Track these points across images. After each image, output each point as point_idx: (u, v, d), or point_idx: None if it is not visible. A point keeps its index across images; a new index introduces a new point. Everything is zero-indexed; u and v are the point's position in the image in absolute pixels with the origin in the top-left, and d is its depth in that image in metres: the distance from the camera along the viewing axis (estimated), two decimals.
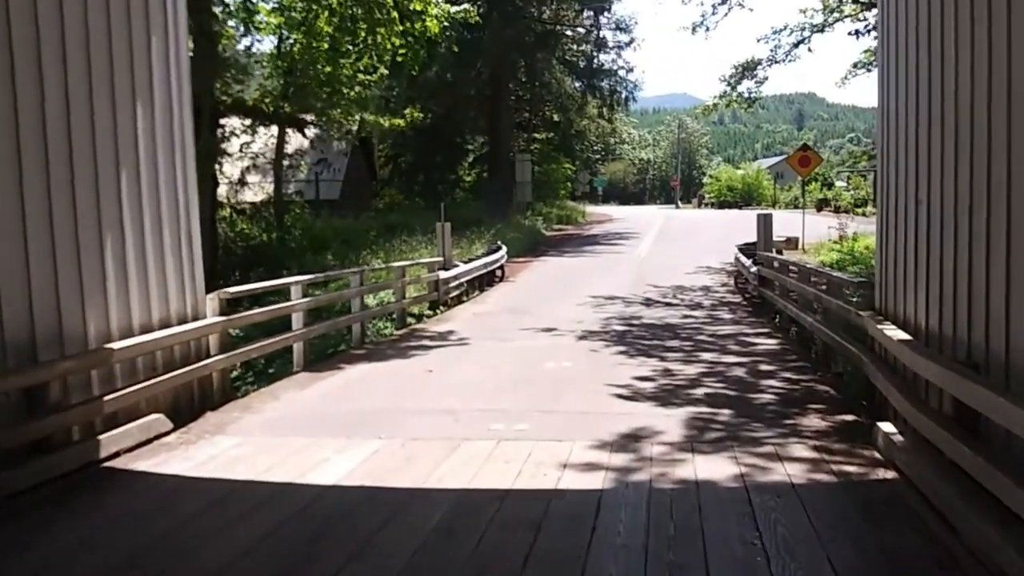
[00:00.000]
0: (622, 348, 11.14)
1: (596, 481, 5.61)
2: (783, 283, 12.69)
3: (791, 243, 25.64)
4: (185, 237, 8.05)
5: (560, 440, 6.58)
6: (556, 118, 47.78)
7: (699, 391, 8.38)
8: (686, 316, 14.52)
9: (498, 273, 22.03)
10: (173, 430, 7.12)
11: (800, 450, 6.23)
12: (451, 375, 9.53)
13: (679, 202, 75.36)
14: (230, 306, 8.71)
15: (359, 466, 6.07)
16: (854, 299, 8.70)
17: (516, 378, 9.19)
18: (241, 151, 22.10)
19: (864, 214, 43.04)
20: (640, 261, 25.39)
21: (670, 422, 7.14)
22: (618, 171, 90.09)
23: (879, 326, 6.80)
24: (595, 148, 64.79)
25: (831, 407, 7.62)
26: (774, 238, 21.90)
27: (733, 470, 5.75)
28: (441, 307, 15.87)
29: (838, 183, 75.74)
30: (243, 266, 21.63)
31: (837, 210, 52.63)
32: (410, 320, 14.86)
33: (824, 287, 9.95)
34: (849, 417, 7.19)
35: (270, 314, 9.72)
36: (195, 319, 8.09)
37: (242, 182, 23.40)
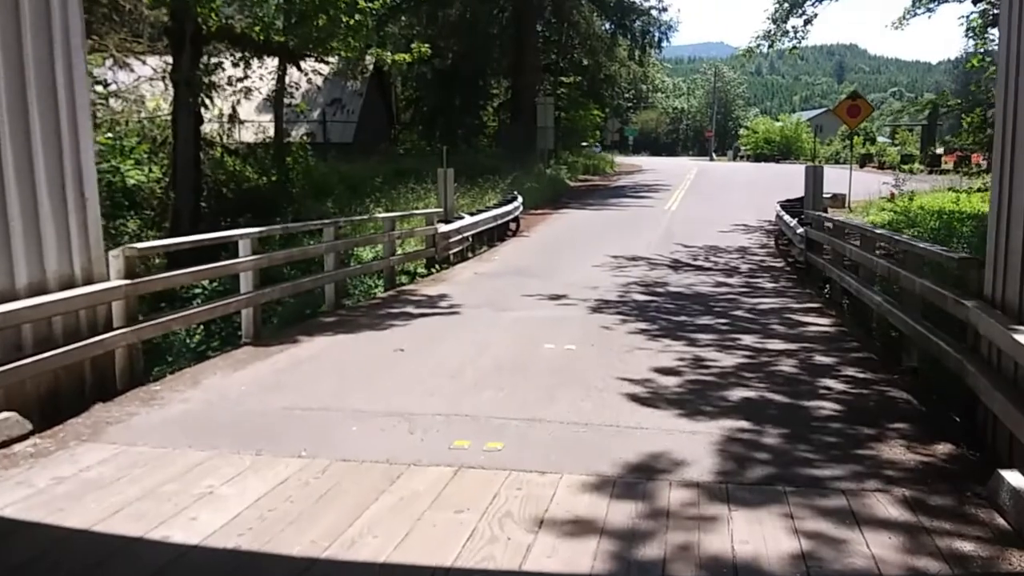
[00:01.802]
0: (642, 325, 9.18)
1: (583, 558, 3.72)
2: (838, 249, 10.61)
3: (837, 200, 23.39)
4: (73, 183, 6.16)
5: (543, 472, 4.70)
6: (585, 61, 45.11)
7: (737, 393, 6.43)
8: (720, 284, 12.48)
9: (512, 226, 20.06)
10: (31, 433, 5.33)
11: (885, 506, 4.29)
12: (425, 356, 7.65)
13: (713, 154, 72.33)
14: (145, 264, 6.85)
15: (251, 507, 4.23)
16: (947, 279, 6.65)
17: (504, 365, 7.28)
18: (230, 84, 20.09)
19: (911, 171, 40.43)
20: (670, 216, 23.25)
21: (697, 445, 5.21)
22: (650, 120, 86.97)
23: (1002, 326, 4.79)
24: (626, 95, 61.86)
25: (916, 427, 5.65)
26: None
27: (789, 543, 3.84)
28: (439, 265, 13.97)
29: (880, 139, 72.39)
30: (234, 212, 19.85)
31: (882, 166, 49.99)
32: (402, 279, 13.00)
33: (900, 258, 7.89)
34: (945, 447, 5.22)
35: (199, 275, 7.88)
36: (88, 283, 6.26)
37: (233, 119, 21.41)
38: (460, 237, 14.96)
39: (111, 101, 23.69)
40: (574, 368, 7.20)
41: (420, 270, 13.70)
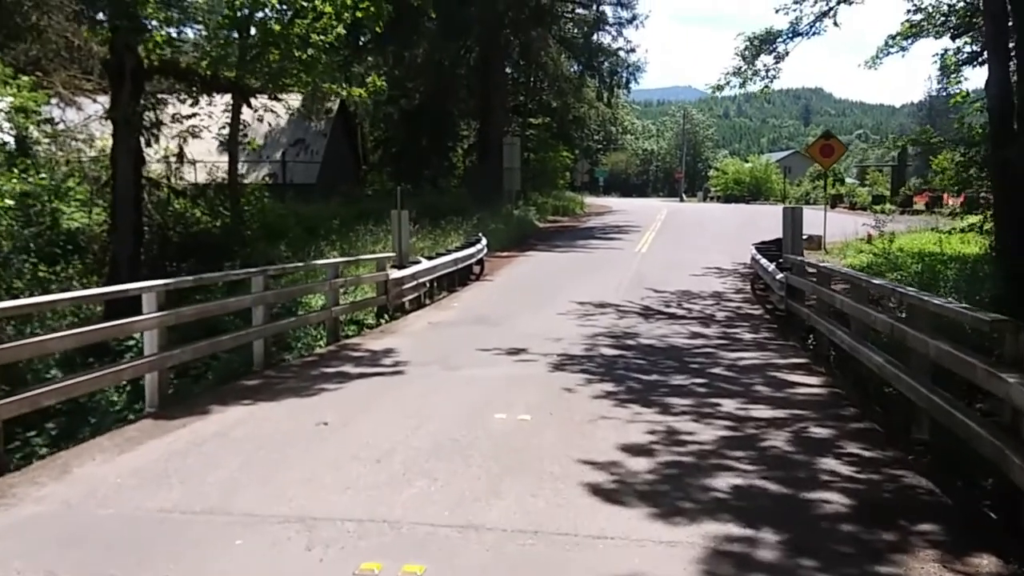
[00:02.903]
0: (608, 386, 8.05)
1: None
2: (825, 299, 9.60)
3: (812, 242, 22.51)
4: None
5: None
6: (553, 103, 44.47)
7: (721, 481, 5.29)
8: (695, 335, 11.41)
9: (475, 269, 18.96)
10: None
11: None
12: (351, 432, 6.44)
13: (684, 195, 72.02)
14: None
15: None
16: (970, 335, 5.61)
17: (443, 443, 6.10)
18: (176, 121, 18.93)
19: (883, 211, 40.02)
20: (640, 259, 22.27)
21: (676, 564, 4.07)
22: (620, 161, 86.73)
23: None
24: (595, 137, 61.53)
25: (946, 528, 4.55)
26: None
27: None
28: (391, 314, 12.78)
29: (848, 179, 72.57)
30: (178, 256, 18.57)
31: (853, 207, 49.71)
32: (349, 331, 11.80)
33: (903, 312, 6.86)
34: (988, 560, 4.12)
35: (80, 338, 6.61)
36: None
37: (180, 158, 20.20)
38: (415, 283, 13.81)
39: (55, 141, 22.51)
40: (527, 447, 6.03)
41: (370, 320, 12.52)
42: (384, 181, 40.27)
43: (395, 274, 12.98)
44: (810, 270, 11.61)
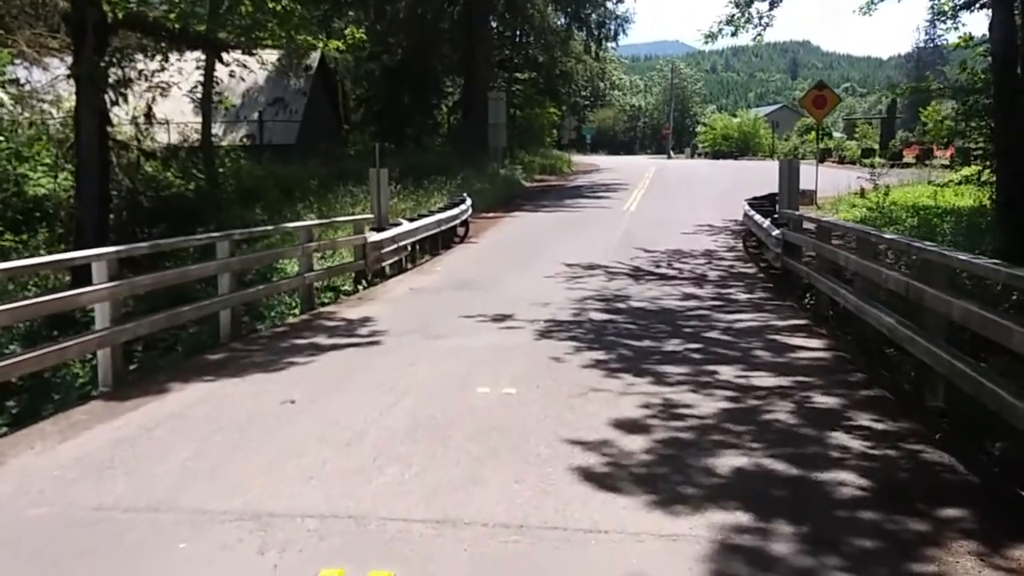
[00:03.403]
0: (599, 354, 7.53)
1: None
2: (827, 256, 9.09)
3: (805, 197, 21.91)
4: None
5: None
6: (540, 58, 43.51)
7: (725, 461, 4.80)
8: (688, 296, 10.90)
9: (460, 231, 18.36)
10: None
11: None
12: (319, 412, 5.91)
13: (671, 152, 71.19)
14: None
15: None
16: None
17: (421, 422, 5.58)
18: (144, 79, 18.10)
19: (872, 165, 39.52)
20: (629, 218, 21.69)
21: (680, 562, 3.59)
22: (608, 118, 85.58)
23: None
24: (583, 93, 60.47)
25: (977, 514, 4.09)
26: None
27: None
28: (369, 280, 12.21)
29: (836, 134, 71.89)
30: (149, 222, 17.90)
31: (842, 161, 49.12)
32: (325, 298, 11.24)
33: (917, 268, 6.34)
34: None
35: (14, 315, 6.02)
36: None
37: (149, 118, 19.40)
38: (395, 247, 13.21)
39: (21, 102, 21.63)
40: (511, 425, 5.51)
41: (348, 287, 11.95)
42: (367, 141, 39.23)
43: (373, 237, 12.38)
44: (809, 225, 11.10)
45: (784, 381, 6.61)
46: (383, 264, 12.84)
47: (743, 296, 11.00)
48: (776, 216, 13.95)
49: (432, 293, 11.51)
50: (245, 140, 32.31)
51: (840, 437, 5.25)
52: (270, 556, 3.69)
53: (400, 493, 4.36)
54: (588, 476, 4.59)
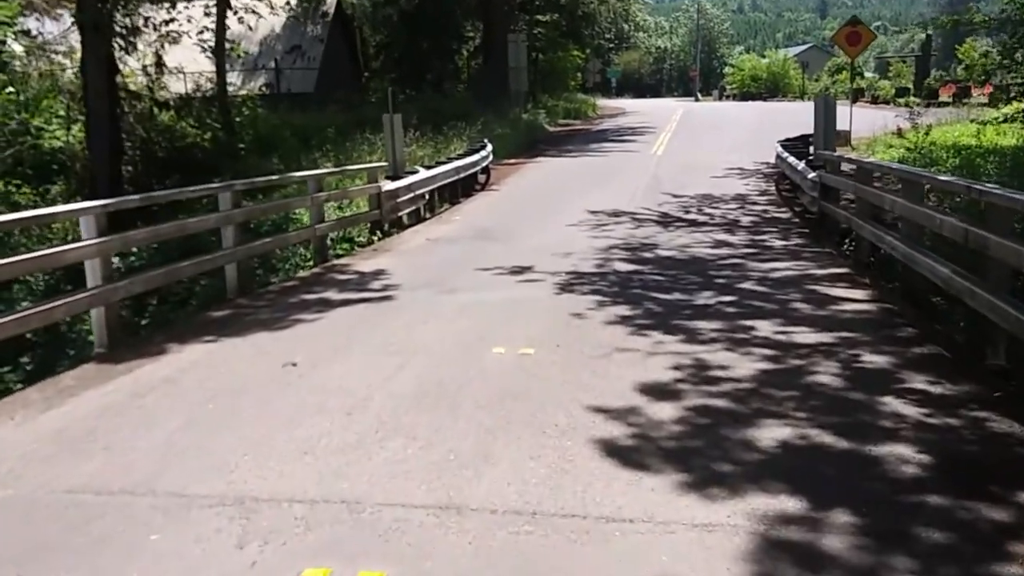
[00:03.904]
0: (624, 310, 7.00)
1: None
2: (871, 200, 8.43)
3: (839, 137, 21.02)
4: None
5: None
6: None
7: (766, 433, 4.29)
8: (720, 244, 10.29)
9: (480, 178, 17.75)
10: None
11: None
12: (322, 376, 5.46)
13: (699, 94, 69.46)
14: None
15: None
16: None
17: (429, 388, 5.11)
18: (153, 27, 17.51)
19: (907, 104, 38.15)
20: (656, 162, 20.91)
21: (718, 560, 3.11)
22: (633, 61, 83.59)
23: None
24: (607, 35, 58.75)
25: None
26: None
27: None
28: (385, 230, 11.70)
29: (868, 73, 69.66)
30: (163, 173, 17.48)
31: (875, 100, 47.59)
32: (339, 250, 10.76)
33: (977, 212, 5.72)
34: None
35: None
36: None
37: (160, 66, 18.84)
38: (412, 195, 12.66)
39: (33, 54, 21.19)
40: (528, 390, 5.03)
41: (363, 237, 11.46)
42: (386, 87, 38.43)
43: (388, 186, 11.84)
44: (848, 167, 10.41)
45: (827, 337, 6.05)
46: (400, 214, 12.32)
47: (778, 243, 10.37)
48: (811, 158, 13.24)
49: (449, 243, 11.00)
50: (264, 89, 31.73)
51: (893, 403, 4.71)
52: (249, 551, 3.26)
53: (401, 472, 3.91)
54: (611, 451, 4.11)
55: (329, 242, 10.87)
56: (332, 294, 8.03)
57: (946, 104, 37.57)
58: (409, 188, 12.56)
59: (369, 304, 7.57)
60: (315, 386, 5.24)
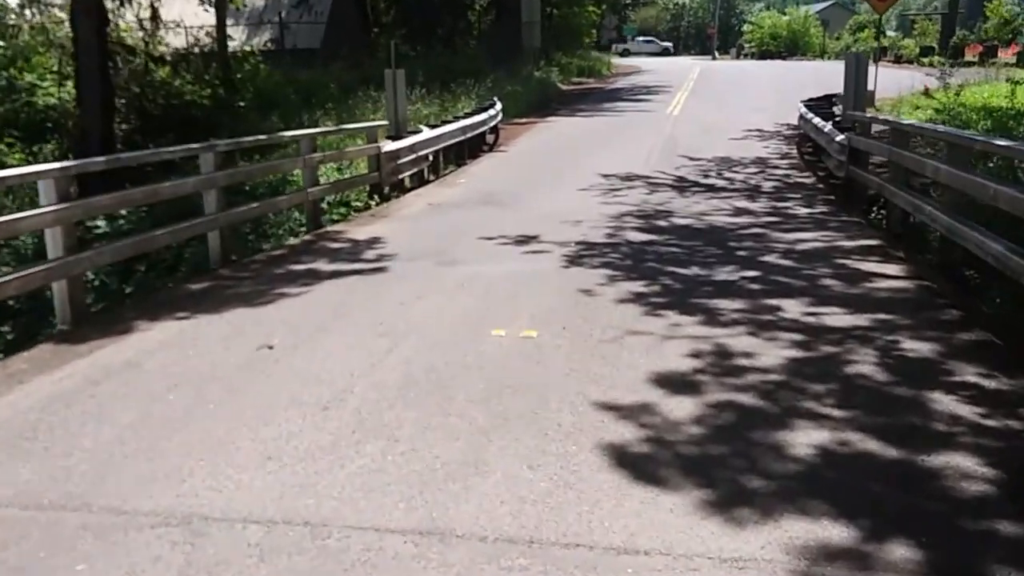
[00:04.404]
0: (637, 286, 6.41)
1: None
2: (909, 166, 7.76)
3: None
4: None
5: None
6: None
7: (800, 438, 3.71)
8: (740, 211, 9.64)
9: (489, 138, 17.06)
10: None
11: None
12: (300, 362, 4.90)
13: (716, 52, 67.85)
14: None
15: None
16: None
17: (417, 379, 4.55)
18: None
19: (931, 64, 36.95)
20: (672, 122, 20.13)
21: None
22: (650, 18, 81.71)
23: None
24: None
25: None
26: (841, 93, 16.81)
27: None
28: (386, 193, 11.09)
29: (890, 32, 67.81)
30: (158, 131, 16.85)
31: (898, 60, 46.28)
32: (335, 215, 10.18)
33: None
34: None
35: None
36: None
37: (155, 19, 18.11)
38: (414, 156, 12.02)
39: (28, 4, 20.49)
40: (529, 382, 4.47)
41: (360, 202, 10.85)
42: (399, 44, 37.49)
43: (389, 146, 11.20)
44: (878, 127, 9.71)
45: (862, 320, 5.45)
46: (401, 176, 11.69)
47: (802, 210, 9.72)
48: (838, 119, 12.50)
49: (453, 208, 10.39)
50: (269, 44, 30.92)
51: (944, 400, 4.12)
52: None
53: (377, 485, 3.36)
54: (622, 459, 3.55)
55: (326, 206, 10.32)
56: (322, 264, 7.47)
57: (971, 64, 36.41)
58: (411, 149, 11.92)
59: (361, 276, 7.00)
60: (291, 373, 4.69)
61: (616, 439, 3.74)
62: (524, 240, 8.19)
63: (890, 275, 6.65)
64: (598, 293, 6.21)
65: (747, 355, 4.79)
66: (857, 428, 3.81)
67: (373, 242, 8.35)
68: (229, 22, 29.67)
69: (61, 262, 5.64)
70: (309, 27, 32.66)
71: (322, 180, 10.71)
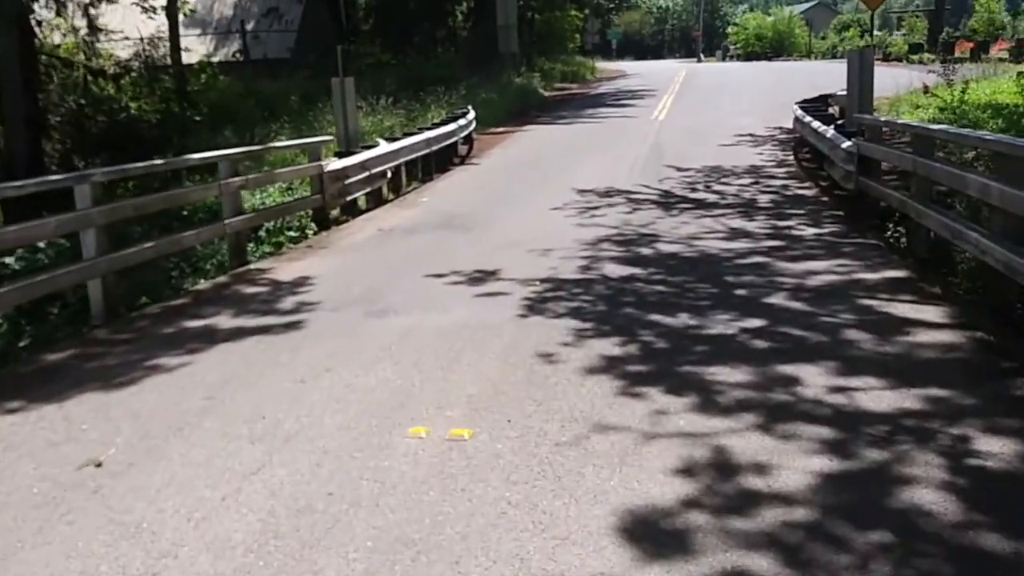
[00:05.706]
0: (611, 345, 4.98)
1: None
2: (941, 178, 6.39)
3: None
4: None
5: None
6: None
7: None
8: (735, 234, 8.23)
9: (461, 150, 15.66)
10: None
11: None
12: (122, 494, 3.45)
13: (702, 55, 66.64)
14: None
15: None
16: None
17: (279, 526, 3.12)
18: None
19: (921, 61, 35.79)
20: (658, 128, 18.73)
21: None
22: (634, 22, 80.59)
23: None
24: None
25: None
26: (837, 93, 15.55)
27: None
28: (331, 217, 9.67)
29: (877, 32, 66.77)
30: (96, 150, 15.42)
31: (887, 58, 45.15)
32: (267, 248, 8.72)
33: None
34: None
35: None
36: None
37: (93, 28, 16.62)
38: (366, 175, 10.57)
39: None
40: (441, 533, 3.03)
41: (296, 231, 9.39)
42: (377, 52, 36.18)
43: (333, 165, 9.76)
44: (888, 134, 8.34)
45: (910, 399, 4.05)
46: (350, 197, 10.26)
47: (808, 231, 8.32)
48: (840, 122, 11.15)
49: (405, 235, 8.98)
50: (236, 55, 29.56)
51: None
52: None
53: None
54: None
55: (264, 234, 8.91)
56: (224, 319, 6.02)
57: (963, 60, 35.26)
58: (363, 166, 10.48)
59: (264, 337, 5.55)
60: (103, 515, 3.26)
61: None
62: (480, 278, 6.78)
63: (931, 323, 5.25)
64: (560, 359, 4.78)
65: (759, 469, 3.38)
66: None
67: (298, 284, 6.92)
68: (195, 32, 28.20)
69: None
70: (279, 36, 31.36)
71: (259, 206, 9.33)
